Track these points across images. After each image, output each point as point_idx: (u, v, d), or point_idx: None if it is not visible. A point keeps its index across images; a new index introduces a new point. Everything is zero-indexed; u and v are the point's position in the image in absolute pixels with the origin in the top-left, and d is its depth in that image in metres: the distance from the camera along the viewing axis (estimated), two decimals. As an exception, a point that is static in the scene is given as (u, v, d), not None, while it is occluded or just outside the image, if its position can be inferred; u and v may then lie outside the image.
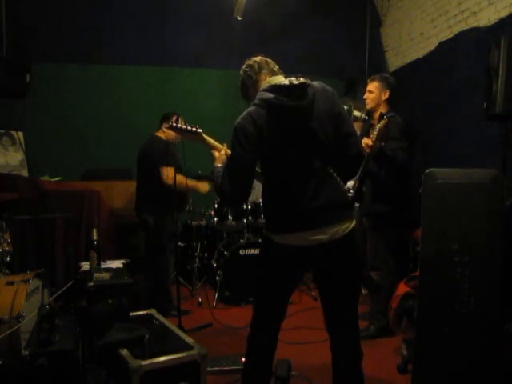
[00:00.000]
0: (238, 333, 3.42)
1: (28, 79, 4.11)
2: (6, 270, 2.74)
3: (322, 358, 2.44)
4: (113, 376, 2.35)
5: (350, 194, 2.89)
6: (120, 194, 4.69)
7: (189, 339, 2.44)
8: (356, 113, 4.28)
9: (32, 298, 2.31)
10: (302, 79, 1.90)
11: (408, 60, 5.17)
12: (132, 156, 3.89)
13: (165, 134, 3.78)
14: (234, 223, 4.51)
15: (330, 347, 2.01)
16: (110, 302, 2.54)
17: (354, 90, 5.33)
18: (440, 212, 2.28)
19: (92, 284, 2.61)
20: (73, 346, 2.19)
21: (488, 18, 3.89)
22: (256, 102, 1.91)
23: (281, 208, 1.93)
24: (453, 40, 4.36)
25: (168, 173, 3.54)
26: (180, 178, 3.46)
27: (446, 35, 4.45)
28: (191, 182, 3.71)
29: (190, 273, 4.68)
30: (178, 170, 3.49)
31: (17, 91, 4.11)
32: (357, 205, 3.18)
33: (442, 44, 4.53)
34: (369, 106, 3.38)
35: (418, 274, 2.38)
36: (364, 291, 4.04)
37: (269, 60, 2.07)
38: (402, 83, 4.50)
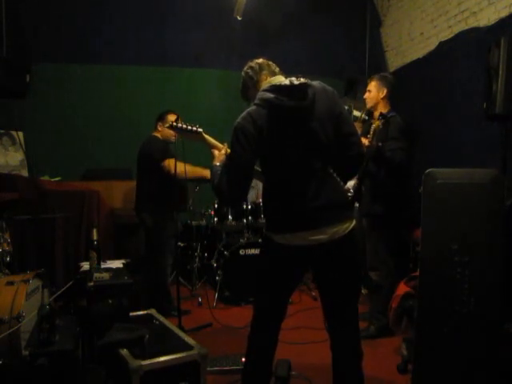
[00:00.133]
0: (238, 333, 3.42)
1: (28, 79, 4.12)
2: (6, 270, 2.74)
3: (322, 358, 2.44)
4: (113, 376, 2.35)
5: (349, 194, 2.90)
6: (120, 194, 4.69)
7: (189, 339, 2.44)
8: (356, 113, 4.27)
9: (32, 297, 2.31)
10: (302, 79, 1.90)
11: (408, 60, 5.17)
12: (132, 156, 3.90)
13: (160, 133, 3.80)
14: (234, 223, 4.51)
15: (330, 347, 2.01)
16: (110, 301, 2.54)
17: (354, 90, 5.33)
18: (440, 212, 2.28)
19: (92, 284, 2.61)
20: (73, 346, 2.18)
21: (488, 17, 3.89)
22: (256, 101, 1.91)
23: (281, 208, 1.93)
24: (453, 40, 4.36)
25: (170, 164, 3.53)
26: (183, 167, 3.40)
27: (446, 35, 4.46)
28: (197, 169, 3.69)
29: (190, 273, 4.67)
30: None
31: (17, 91, 4.11)
32: (356, 205, 3.18)
33: (441, 44, 4.54)
34: (368, 106, 3.39)
35: (417, 274, 2.38)
36: (364, 291, 4.04)
37: (270, 62, 2.08)
38: (402, 83, 4.50)
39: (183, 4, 5.33)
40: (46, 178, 4.50)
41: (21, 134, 4.81)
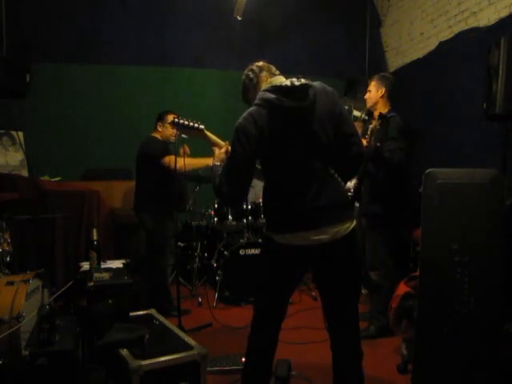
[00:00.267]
0: (238, 333, 3.42)
1: (28, 79, 4.12)
2: (6, 270, 2.74)
3: (322, 358, 2.44)
4: (113, 376, 2.35)
5: (349, 194, 2.90)
6: (120, 194, 4.70)
7: (189, 339, 2.44)
8: (356, 113, 4.27)
9: (32, 298, 2.31)
10: (303, 80, 1.90)
11: (408, 60, 5.17)
12: (132, 156, 3.89)
13: (160, 133, 3.79)
14: (234, 223, 4.50)
15: (331, 347, 2.01)
16: (110, 302, 2.54)
17: (354, 90, 5.33)
18: (440, 212, 2.28)
19: (92, 284, 2.61)
20: (73, 346, 2.18)
21: (488, 17, 3.89)
22: (257, 102, 1.91)
23: (281, 208, 1.93)
24: (453, 40, 4.36)
25: (170, 160, 3.51)
26: (187, 161, 3.39)
27: (446, 35, 4.46)
28: (198, 160, 3.65)
29: (190, 273, 4.67)
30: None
31: (17, 91, 4.12)
32: (357, 205, 3.18)
33: (441, 44, 4.54)
34: (368, 105, 3.39)
35: (418, 274, 2.38)
36: (364, 291, 4.04)
37: (271, 65, 2.09)
38: (402, 83, 4.50)
39: (183, 4, 5.33)
40: (46, 178, 4.50)
41: (21, 134, 4.80)
